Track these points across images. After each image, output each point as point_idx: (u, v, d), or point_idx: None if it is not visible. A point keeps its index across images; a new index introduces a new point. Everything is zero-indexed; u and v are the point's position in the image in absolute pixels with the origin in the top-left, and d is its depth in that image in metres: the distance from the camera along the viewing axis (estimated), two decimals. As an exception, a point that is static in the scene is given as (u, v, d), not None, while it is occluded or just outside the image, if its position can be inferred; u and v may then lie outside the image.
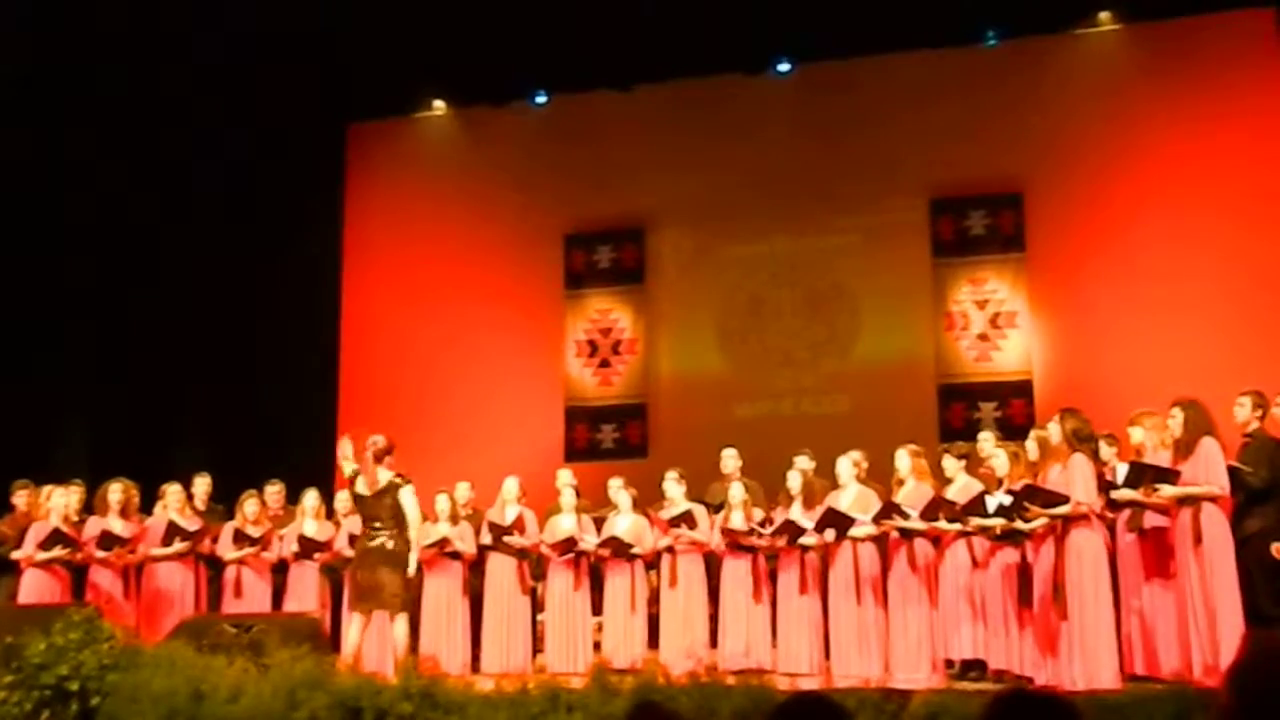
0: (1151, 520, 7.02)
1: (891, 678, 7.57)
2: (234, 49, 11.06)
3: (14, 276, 10.87)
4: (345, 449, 7.65)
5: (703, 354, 12.06)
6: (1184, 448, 6.76)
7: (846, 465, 8.22)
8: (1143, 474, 6.87)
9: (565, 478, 9.41)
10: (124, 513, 8.76)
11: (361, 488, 7.54)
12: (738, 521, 8.40)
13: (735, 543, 8.45)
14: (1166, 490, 6.72)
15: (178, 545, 8.78)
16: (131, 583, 8.79)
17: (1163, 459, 6.99)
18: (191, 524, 8.91)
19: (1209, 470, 6.61)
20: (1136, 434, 7.29)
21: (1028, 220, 11.23)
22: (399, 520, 7.53)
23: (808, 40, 11.39)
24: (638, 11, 10.68)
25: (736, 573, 8.49)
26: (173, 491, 9.00)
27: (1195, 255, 10.55)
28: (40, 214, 11.14)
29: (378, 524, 7.48)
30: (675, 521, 8.58)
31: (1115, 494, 7.04)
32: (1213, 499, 6.59)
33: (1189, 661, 6.61)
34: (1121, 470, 7.04)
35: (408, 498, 7.56)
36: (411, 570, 7.57)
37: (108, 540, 8.56)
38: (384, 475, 7.52)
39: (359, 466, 7.58)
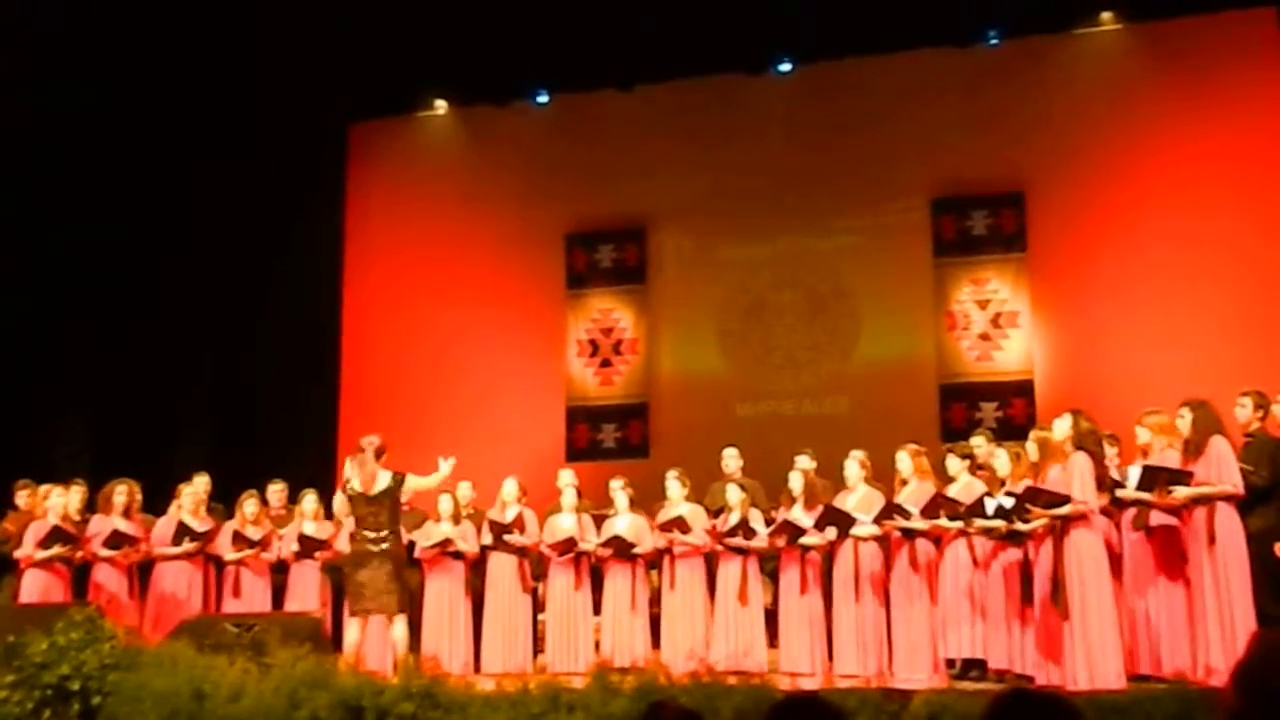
0: (1158, 519, 7.01)
1: (892, 677, 7.58)
2: (235, 49, 11.06)
3: (14, 277, 10.87)
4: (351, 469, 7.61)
5: (704, 354, 12.06)
6: (1194, 448, 6.75)
7: (854, 466, 8.21)
8: (1156, 477, 6.85)
9: (566, 478, 9.40)
10: (127, 513, 8.77)
11: (359, 487, 7.44)
12: (732, 523, 8.41)
13: (726, 545, 8.46)
14: (1181, 491, 6.71)
15: (186, 545, 8.78)
16: (135, 582, 8.80)
17: (1169, 458, 6.98)
18: (203, 524, 8.91)
19: (1222, 470, 6.61)
20: (1143, 434, 7.26)
21: (1029, 220, 11.22)
22: (395, 521, 7.52)
23: (809, 40, 11.39)
24: (639, 11, 10.68)
25: (729, 575, 8.50)
26: (189, 492, 9.00)
27: (1197, 255, 10.55)
28: (41, 214, 11.13)
29: (373, 525, 7.41)
30: (667, 526, 8.59)
31: (1121, 493, 7.04)
32: (1227, 498, 6.59)
33: (1192, 661, 6.61)
34: (1134, 474, 7.01)
35: (414, 481, 7.59)
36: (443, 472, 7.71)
37: (117, 539, 8.57)
38: (383, 475, 7.44)
39: (356, 467, 7.53)
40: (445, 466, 7.68)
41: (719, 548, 8.56)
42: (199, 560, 8.92)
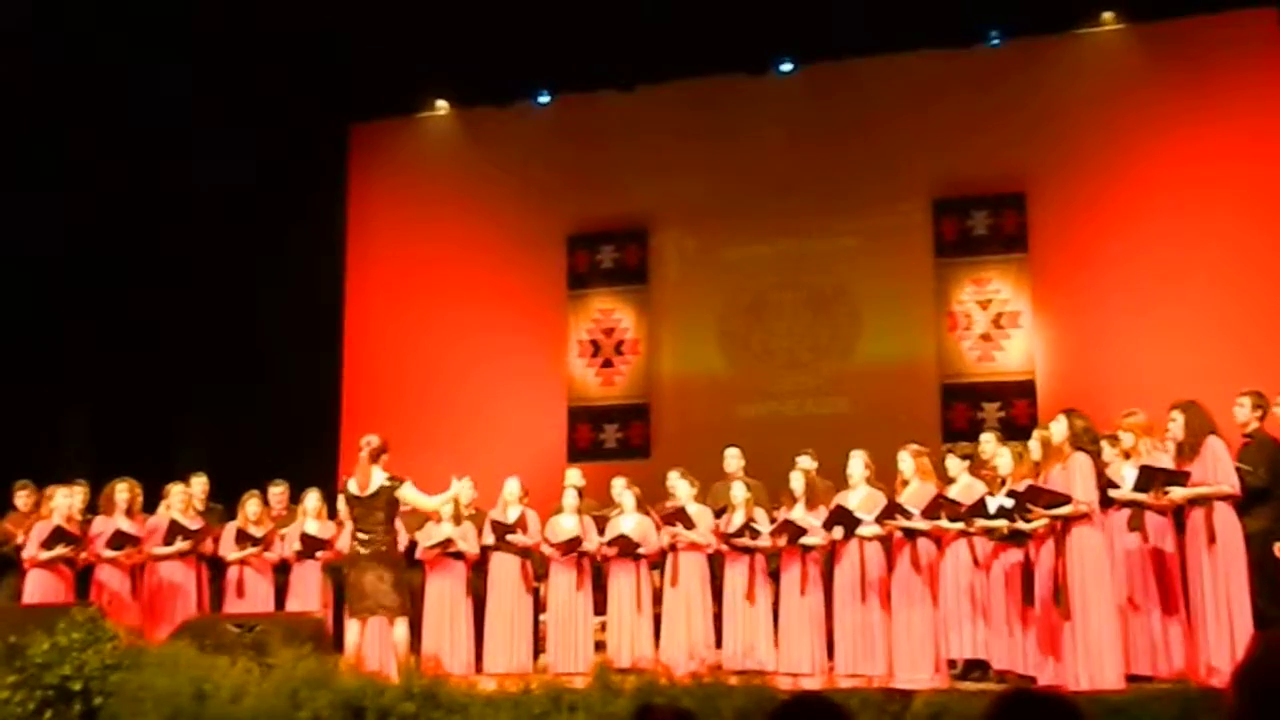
0: (1152, 520, 7.01)
1: (894, 678, 7.58)
2: (235, 49, 11.06)
3: (15, 276, 10.86)
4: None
5: (705, 354, 12.05)
6: (1188, 450, 6.74)
7: (858, 465, 8.22)
8: (1153, 478, 6.85)
9: (572, 478, 9.42)
10: (129, 512, 8.78)
11: (354, 488, 7.42)
12: (736, 523, 8.41)
13: (732, 544, 8.46)
14: (1178, 492, 6.71)
15: (179, 544, 8.79)
16: (138, 582, 8.80)
17: (1161, 459, 6.98)
18: (194, 523, 8.92)
19: (1217, 469, 6.61)
20: (1127, 439, 7.25)
21: (1030, 220, 11.20)
22: (391, 522, 7.49)
23: (810, 40, 11.37)
24: (641, 12, 10.68)
25: (736, 574, 8.50)
26: (176, 491, 9.03)
27: (1198, 255, 10.54)
28: (41, 213, 11.13)
29: (371, 527, 7.38)
30: (670, 519, 8.59)
31: (1116, 493, 7.03)
32: (1224, 498, 6.58)
33: (1193, 661, 6.60)
34: (1130, 475, 7.01)
35: (410, 493, 7.46)
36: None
37: (119, 539, 8.57)
38: (378, 476, 7.36)
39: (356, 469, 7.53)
40: (455, 488, 7.64)
41: (723, 547, 8.57)
42: (192, 560, 8.93)
